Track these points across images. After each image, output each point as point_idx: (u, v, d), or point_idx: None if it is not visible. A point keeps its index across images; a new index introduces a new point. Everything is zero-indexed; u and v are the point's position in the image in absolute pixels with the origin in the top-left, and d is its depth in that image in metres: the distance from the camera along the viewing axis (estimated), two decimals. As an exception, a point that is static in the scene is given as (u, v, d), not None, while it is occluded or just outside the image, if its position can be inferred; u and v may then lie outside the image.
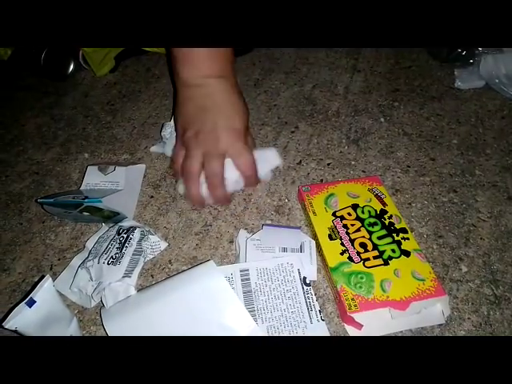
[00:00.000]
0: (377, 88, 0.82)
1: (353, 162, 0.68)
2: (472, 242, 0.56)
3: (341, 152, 0.70)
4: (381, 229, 0.54)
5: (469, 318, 0.49)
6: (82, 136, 0.76)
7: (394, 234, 0.53)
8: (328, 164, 0.68)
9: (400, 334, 0.47)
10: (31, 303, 0.42)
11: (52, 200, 0.56)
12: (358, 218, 0.56)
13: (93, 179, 0.63)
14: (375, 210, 0.56)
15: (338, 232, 0.54)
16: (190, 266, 0.55)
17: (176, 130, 0.62)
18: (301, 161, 0.69)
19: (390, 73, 0.86)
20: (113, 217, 0.57)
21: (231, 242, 0.58)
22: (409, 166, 0.67)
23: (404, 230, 0.54)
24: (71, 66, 0.88)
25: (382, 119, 0.75)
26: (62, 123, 0.79)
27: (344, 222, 0.55)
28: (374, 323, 0.47)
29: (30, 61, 0.85)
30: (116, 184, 0.61)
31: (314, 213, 0.57)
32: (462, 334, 0.47)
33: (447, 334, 0.47)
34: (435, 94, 0.80)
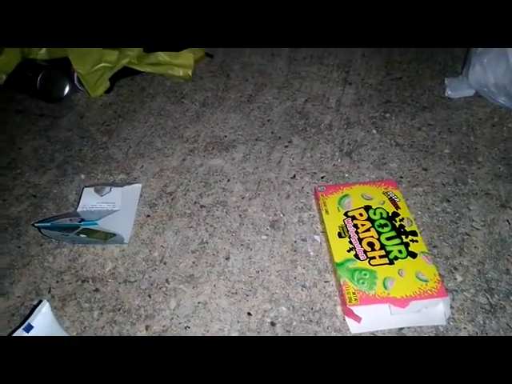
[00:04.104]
0: (368, 100, 0.83)
1: (346, 175, 0.69)
2: (466, 251, 0.56)
3: (334, 165, 0.71)
4: (390, 230, 0.56)
5: (465, 328, 0.49)
6: (79, 157, 0.77)
7: (403, 236, 0.55)
8: (322, 177, 0.69)
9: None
10: (29, 329, 0.42)
11: (49, 224, 0.56)
12: (369, 219, 0.58)
13: (89, 201, 0.63)
14: (387, 212, 0.58)
15: (348, 230, 0.56)
16: (186, 285, 0.56)
17: None
18: (295, 175, 0.69)
19: (381, 84, 0.87)
20: (110, 238, 0.58)
21: (227, 258, 0.58)
22: (401, 177, 0.67)
23: (414, 233, 0.56)
24: (67, 88, 0.89)
25: (374, 131, 0.76)
26: (59, 145, 0.80)
27: (355, 221, 0.58)
28: (374, 318, 0.49)
29: (27, 84, 0.87)
30: (112, 205, 0.62)
31: (326, 211, 0.59)
32: (459, 344, 0.48)
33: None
34: (426, 103, 0.81)
